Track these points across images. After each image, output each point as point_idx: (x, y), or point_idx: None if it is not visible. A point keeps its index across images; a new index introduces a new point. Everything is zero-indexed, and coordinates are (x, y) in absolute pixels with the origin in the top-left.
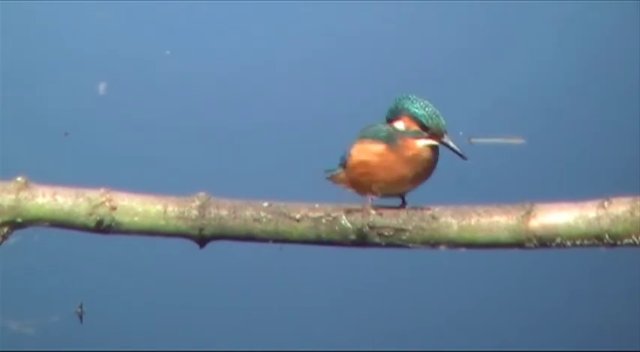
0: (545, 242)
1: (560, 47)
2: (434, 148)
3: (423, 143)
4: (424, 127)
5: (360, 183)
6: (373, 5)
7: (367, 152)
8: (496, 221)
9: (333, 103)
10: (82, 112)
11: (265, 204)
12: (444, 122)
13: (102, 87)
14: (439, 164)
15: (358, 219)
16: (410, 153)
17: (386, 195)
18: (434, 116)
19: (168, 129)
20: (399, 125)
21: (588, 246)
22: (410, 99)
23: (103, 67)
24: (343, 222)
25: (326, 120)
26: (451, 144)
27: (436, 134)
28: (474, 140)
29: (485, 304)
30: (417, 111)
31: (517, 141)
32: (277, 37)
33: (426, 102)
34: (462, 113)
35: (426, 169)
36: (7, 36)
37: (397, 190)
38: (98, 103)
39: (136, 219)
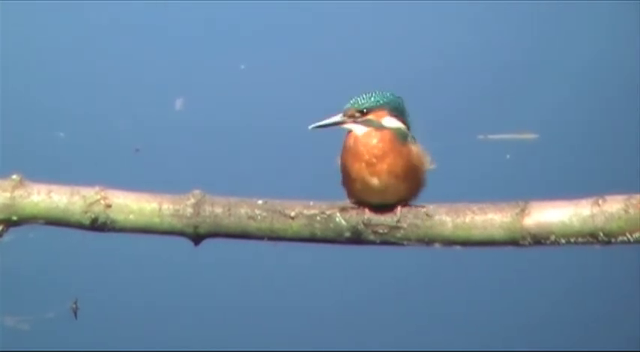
0: (539, 239)
1: (558, 46)
2: (375, 134)
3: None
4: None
5: (353, 194)
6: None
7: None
8: (490, 219)
9: (331, 102)
10: (84, 114)
11: (260, 202)
12: (347, 105)
13: (179, 102)
14: (438, 164)
15: (353, 216)
16: (347, 142)
17: (380, 201)
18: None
19: (165, 128)
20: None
21: (582, 243)
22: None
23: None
24: (338, 219)
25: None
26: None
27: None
28: (489, 137)
29: (484, 303)
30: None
31: (529, 136)
32: (277, 37)
33: (376, 92)
34: (462, 110)
35: (379, 157)
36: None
37: (371, 190)
38: (103, 105)
39: (130, 216)
